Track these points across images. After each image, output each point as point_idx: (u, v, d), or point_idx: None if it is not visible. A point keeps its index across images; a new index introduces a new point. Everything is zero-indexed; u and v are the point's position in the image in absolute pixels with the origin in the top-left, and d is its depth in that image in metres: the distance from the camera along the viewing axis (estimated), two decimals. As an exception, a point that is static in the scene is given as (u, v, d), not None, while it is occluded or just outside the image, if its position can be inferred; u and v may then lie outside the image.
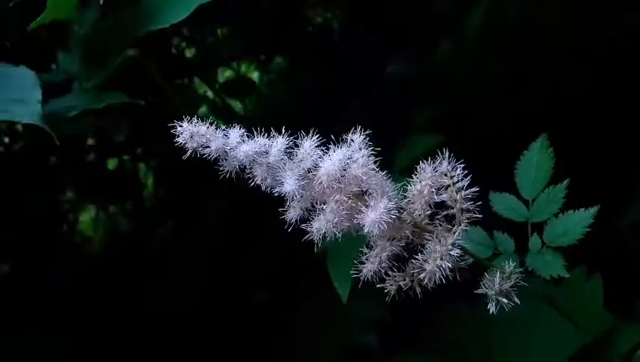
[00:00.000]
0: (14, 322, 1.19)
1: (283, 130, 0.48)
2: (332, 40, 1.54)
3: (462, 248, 0.52)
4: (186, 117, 0.47)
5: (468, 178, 0.52)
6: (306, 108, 1.26)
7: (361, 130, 0.49)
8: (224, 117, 1.32)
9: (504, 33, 0.98)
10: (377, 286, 0.53)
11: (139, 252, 1.45)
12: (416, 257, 0.49)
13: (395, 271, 0.52)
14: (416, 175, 0.50)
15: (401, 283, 0.52)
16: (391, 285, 0.53)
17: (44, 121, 0.62)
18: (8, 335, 1.13)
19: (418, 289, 0.52)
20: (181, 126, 0.47)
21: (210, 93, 1.52)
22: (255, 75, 1.76)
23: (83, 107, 0.72)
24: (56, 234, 1.49)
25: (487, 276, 0.54)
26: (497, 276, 0.53)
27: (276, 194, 0.47)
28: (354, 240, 0.51)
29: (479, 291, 0.53)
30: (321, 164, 0.47)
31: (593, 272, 0.91)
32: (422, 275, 0.49)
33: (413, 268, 0.51)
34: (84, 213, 1.81)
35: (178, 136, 0.47)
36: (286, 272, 1.13)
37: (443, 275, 0.48)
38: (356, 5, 1.50)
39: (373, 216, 0.45)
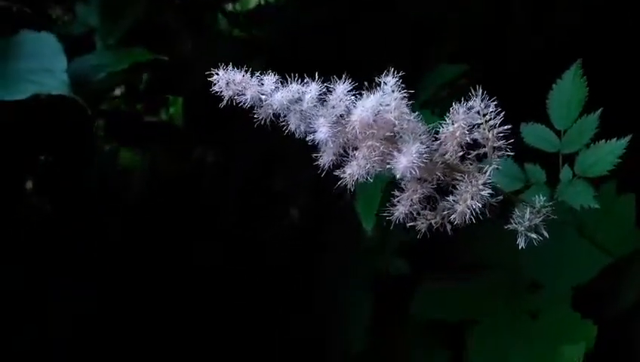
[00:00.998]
0: (67, 262, 1.25)
1: (316, 76, 0.48)
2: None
3: (493, 187, 0.53)
4: (221, 65, 0.47)
5: (501, 115, 0.52)
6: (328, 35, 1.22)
7: (394, 72, 0.49)
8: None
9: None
10: (408, 225, 0.56)
11: (180, 185, 1.49)
12: (447, 198, 0.50)
13: (426, 211, 0.54)
14: (448, 116, 0.50)
15: (433, 221, 0.54)
16: (422, 223, 0.54)
17: (72, 90, 0.62)
18: (67, 276, 1.20)
19: (449, 227, 0.54)
20: (217, 74, 0.47)
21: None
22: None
23: (110, 68, 0.72)
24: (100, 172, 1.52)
25: (516, 211, 0.55)
26: (527, 211, 0.54)
27: (310, 143, 0.48)
28: (379, 177, 0.53)
29: (509, 226, 0.54)
30: (353, 111, 0.47)
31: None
32: (453, 216, 0.50)
33: (444, 209, 0.53)
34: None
35: (214, 85, 0.47)
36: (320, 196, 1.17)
37: (474, 215, 0.50)
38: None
39: (406, 160, 0.46)
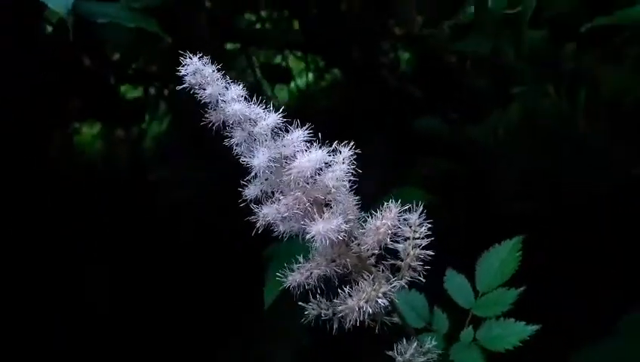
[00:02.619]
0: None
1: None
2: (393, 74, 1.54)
3: (392, 303, 0.51)
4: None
5: (430, 239, 0.51)
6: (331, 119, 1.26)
7: (352, 146, 0.48)
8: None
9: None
10: (299, 303, 0.52)
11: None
12: (345, 290, 0.48)
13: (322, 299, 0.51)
14: (380, 211, 0.49)
15: (323, 311, 0.51)
16: (312, 309, 0.51)
17: (69, 13, 0.62)
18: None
19: (335, 325, 0.51)
20: (190, 59, 0.46)
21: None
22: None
23: (111, 18, 0.72)
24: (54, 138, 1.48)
25: (403, 341, 0.52)
26: (414, 346, 0.51)
27: (243, 164, 0.46)
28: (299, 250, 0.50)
29: (389, 353, 0.51)
30: (299, 157, 0.46)
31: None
32: (341, 307, 0.47)
33: (338, 301, 0.50)
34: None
35: (183, 67, 0.46)
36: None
37: (360, 317, 0.47)
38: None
39: (322, 227, 0.44)
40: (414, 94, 1.27)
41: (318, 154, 0.45)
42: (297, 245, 0.49)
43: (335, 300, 0.50)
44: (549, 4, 1.07)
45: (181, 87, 0.46)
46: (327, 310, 0.51)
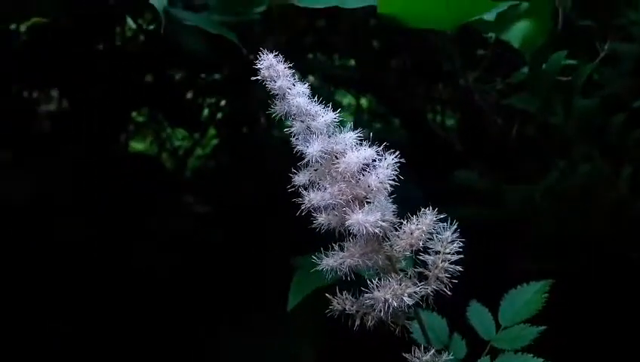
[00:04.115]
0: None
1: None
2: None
3: (416, 314, 0.54)
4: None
5: (460, 256, 0.54)
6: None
7: (398, 155, 0.52)
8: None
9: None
10: (326, 294, 0.55)
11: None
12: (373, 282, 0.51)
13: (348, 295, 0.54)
14: (417, 215, 0.52)
15: (347, 307, 0.54)
16: (338, 304, 0.54)
17: (161, 7, 0.69)
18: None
19: (357, 322, 0.54)
20: (266, 55, 0.52)
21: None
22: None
23: (196, 22, 0.80)
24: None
25: (419, 350, 0.54)
26: (430, 353, 0.53)
27: (296, 150, 0.50)
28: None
29: (406, 355, 0.54)
30: (349, 153, 0.50)
31: None
32: (367, 295, 0.50)
33: (365, 300, 0.53)
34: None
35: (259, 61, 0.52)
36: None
37: (384, 312, 0.50)
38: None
39: (361, 217, 0.48)
40: (456, 146, 1.31)
41: (367, 152, 0.50)
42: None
43: (361, 298, 0.53)
44: (604, 80, 1.10)
45: (256, 78, 0.52)
46: (352, 306, 0.54)
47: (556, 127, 0.96)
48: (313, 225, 0.52)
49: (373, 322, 0.53)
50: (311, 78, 1.49)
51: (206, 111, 1.88)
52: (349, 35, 1.43)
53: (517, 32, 0.94)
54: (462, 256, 0.54)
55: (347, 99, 2.16)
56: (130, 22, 1.60)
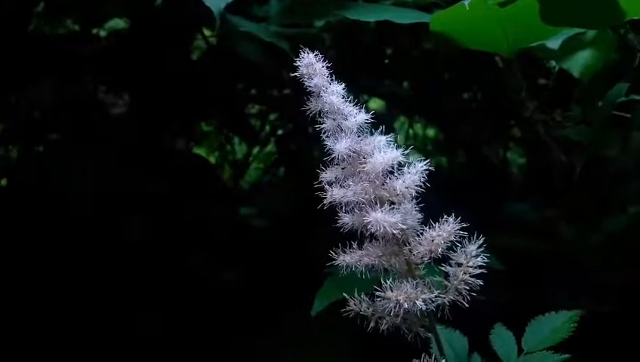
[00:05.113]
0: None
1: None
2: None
3: (432, 318, 0.53)
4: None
5: (481, 270, 0.53)
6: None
7: (428, 163, 0.53)
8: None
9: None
10: (344, 294, 0.56)
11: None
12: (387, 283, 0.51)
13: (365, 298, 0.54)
14: (439, 222, 0.52)
15: (362, 308, 0.54)
16: (354, 305, 0.55)
17: (218, 12, 0.73)
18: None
19: (372, 324, 0.54)
20: (307, 54, 0.54)
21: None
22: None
23: (251, 30, 0.83)
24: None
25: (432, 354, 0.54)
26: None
27: (325, 147, 0.52)
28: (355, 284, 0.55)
29: (415, 361, 0.53)
30: (376, 154, 0.51)
31: None
32: (378, 294, 0.50)
33: (380, 305, 0.53)
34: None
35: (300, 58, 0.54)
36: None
37: (396, 314, 0.50)
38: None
39: (380, 216, 0.49)
40: (513, 178, 1.29)
41: (393, 153, 0.50)
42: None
43: (377, 302, 0.53)
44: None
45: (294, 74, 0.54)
46: (368, 309, 0.54)
47: (612, 161, 0.93)
48: (337, 225, 0.53)
49: (387, 326, 0.53)
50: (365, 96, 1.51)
51: (268, 127, 1.95)
52: (417, 62, 1.44)
53: (578, 62, 0.93)
54: (484, 271, 0.53)
55: (414, 129, 2.17)
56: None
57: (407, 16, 0.82)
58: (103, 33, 1.73)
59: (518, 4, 0.76)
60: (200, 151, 2.19)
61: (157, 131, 1.56)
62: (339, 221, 0.53)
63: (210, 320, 1.34)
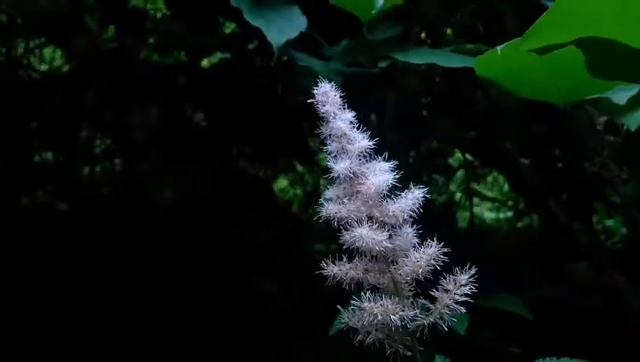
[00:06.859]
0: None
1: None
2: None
3: (414, 339, 0.55)
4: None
5: (469, 299, 0.55)
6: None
7: (425, 190, 0.56)
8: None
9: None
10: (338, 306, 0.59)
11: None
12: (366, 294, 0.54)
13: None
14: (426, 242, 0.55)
15: (352, 321, 0.57)
16: (346, 317, 0.58)
17: (277, 47, 0.82)
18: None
19: (359, 337, 0.57)
20: (326, 83, 0.60)
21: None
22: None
23: (305, 63, 0.91)
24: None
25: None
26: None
27: (328, 165, 0.57)
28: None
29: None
30: (372, 177, 0.55)
31: None
32: (354, 303, 0.53)
33: (358, 316, 0.56)
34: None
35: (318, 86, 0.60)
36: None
37: (375, 323, 0.53)
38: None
39: (366, 232, 0.52)
40: (580, 237, 1.24)
41: (385, 176, 0.54)
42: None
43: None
44: None
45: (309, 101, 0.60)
46: (357, 322, 0.57)
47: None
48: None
49: (371, 340, 0.56)
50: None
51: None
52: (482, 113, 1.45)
53: (637, 116, 0.91)
54: (472, 300, 0.55)
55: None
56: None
57: (453, 61, 0.86)
58: (204, 63, 1.92)
59: (559, 55, 0.77)
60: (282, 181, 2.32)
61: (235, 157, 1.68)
62: (340, 238, 0.57)
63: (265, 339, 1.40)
